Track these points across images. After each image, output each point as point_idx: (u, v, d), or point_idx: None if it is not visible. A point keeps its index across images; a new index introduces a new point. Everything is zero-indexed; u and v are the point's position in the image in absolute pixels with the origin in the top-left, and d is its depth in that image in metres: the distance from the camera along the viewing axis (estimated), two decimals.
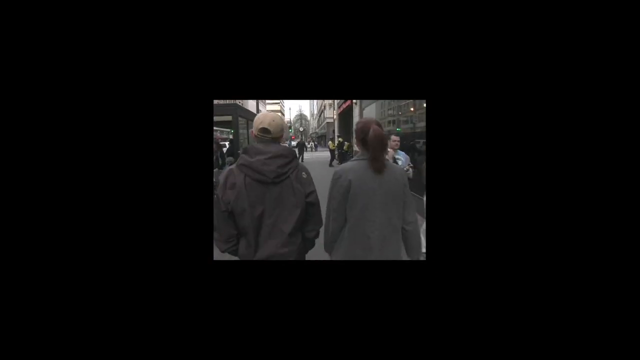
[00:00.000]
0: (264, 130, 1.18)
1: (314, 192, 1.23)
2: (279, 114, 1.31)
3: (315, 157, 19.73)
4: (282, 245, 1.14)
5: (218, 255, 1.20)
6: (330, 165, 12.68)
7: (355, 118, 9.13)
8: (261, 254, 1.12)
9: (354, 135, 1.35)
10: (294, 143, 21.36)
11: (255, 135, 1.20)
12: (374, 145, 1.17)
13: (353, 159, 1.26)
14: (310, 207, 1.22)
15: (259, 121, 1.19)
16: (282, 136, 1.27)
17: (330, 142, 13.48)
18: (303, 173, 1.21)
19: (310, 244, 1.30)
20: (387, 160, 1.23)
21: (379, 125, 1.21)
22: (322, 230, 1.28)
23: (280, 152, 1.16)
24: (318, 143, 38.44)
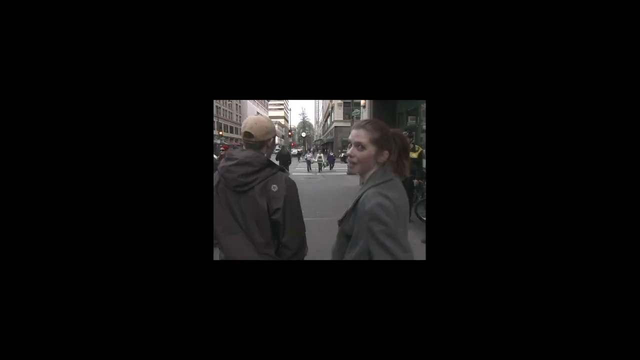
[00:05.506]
0: (247, 134, 1.10)
1: (280, 209, 1.04)
2: (266, 116, 1.20)
3: (329, 186, 8.85)
4: (250, 257, 1.06)
5: (218, 255, 1.19)
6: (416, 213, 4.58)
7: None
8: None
9: (394, 141, 0.94)
10: (284, 150, 12.17)
11: (244, 141, 1.14)
12: (406, 152, 0.96)
13: (383, 181, 0.89)
14: (276, 225, 1.07)
15: (242, 125, 1.14)
16: (270, 140, 1.15)
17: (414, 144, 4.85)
18: (273, 186, 1.05)
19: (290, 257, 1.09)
20: None
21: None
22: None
23: (246, 160, 1.06)
24: (334, 155, 20.66)
